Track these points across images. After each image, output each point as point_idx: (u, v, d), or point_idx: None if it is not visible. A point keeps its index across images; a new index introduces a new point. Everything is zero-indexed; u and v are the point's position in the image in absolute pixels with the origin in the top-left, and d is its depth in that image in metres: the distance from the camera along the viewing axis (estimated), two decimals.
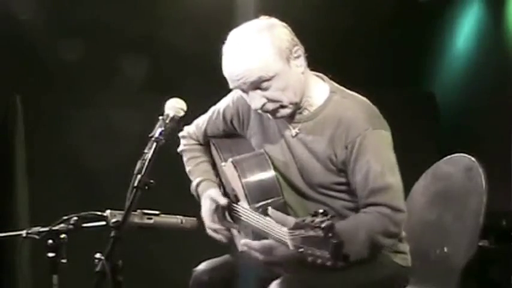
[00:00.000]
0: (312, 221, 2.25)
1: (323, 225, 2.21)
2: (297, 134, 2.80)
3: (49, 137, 4.69)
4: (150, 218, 2.71)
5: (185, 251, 4.11)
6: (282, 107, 2.72)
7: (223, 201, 2.93)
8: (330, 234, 2.20)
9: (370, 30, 5.17)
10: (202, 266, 2.95)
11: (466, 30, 5.32)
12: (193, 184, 3.06)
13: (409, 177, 3.20)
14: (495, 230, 4.36)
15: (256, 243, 2.66)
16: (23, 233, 2.63)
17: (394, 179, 2.70)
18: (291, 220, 2.41)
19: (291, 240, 2.35)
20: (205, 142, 3.12)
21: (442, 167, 3.10)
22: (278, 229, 2.50)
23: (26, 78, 4.67)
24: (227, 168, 2.92)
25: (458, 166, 3.01)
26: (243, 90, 2.73)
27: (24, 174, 4.72)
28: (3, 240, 3.07)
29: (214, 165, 3.10)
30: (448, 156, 3.09)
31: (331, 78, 2.86)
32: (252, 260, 2.70)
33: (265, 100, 2.70)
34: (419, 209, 3.11)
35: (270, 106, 2.71)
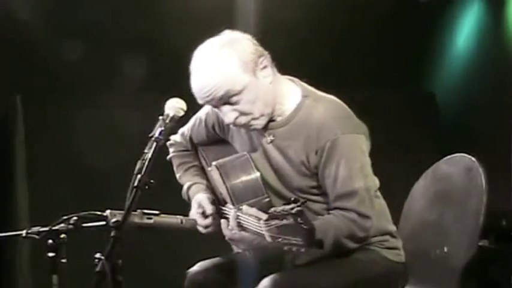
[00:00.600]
0: (283, 209, 2.29)
1: (293, 211, 2.25)
2: (272, 140, 2.81)
3: (49, 137, 4.69)
4: (150, 218, 2.72)
5: (185, 251, 4.11)
6: (254, 119, 2.74)
7: (209, 210, 2.93)
8: (300, 220, 2.24)
9: (370, 30, 5.17)
10: (196, 267, 2.95)
11: (466, 30, 5.32)
12: (184, 188, 3.08)
13: (409, 177, 3.21)
14: (495, 230, 4.36)
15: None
16: (23, 233, 2.63)
17: (363, 183, 2.71)
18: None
19: (267, 232, 2.37)
20: (193, 148, 3.14)
21: (442, 167, 3.10)
22: (256, 223, 2.50)
23: (26, 78, 4.67)
24: (212, 172, 2.93)
25: (458, 166, 3.00)
26: (214, 106, 2.76)
27: (24, 174, 4.72)
28: (3, 240, 3.07)
29: (203, 170, 3.12)
30: (448, 156, 3.09)
31: (306, 82, 2.86)
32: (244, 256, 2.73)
33: (237, 114, 2.72)
34: (419, 209, 3.11)
35: (243, 120, 2.73)
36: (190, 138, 3.11)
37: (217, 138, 3.04)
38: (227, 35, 2.77)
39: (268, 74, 2.74)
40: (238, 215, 2.69)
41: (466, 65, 5.29)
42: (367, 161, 2.78)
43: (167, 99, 2.68)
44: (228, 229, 2.76)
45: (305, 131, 2.75)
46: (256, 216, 2.47)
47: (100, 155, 4.56)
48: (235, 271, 2.82)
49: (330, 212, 2.72)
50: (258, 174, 2.82)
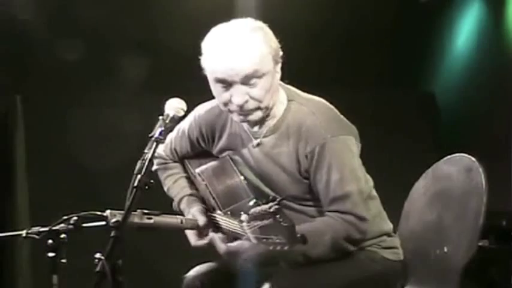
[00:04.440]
0: (262, 209, 2.30)
1: (271, 210, 2.26)
2: (258, 144, 2.79)
3: (49, 137, 4.69)
4: (150, 218, 2.71)
5: (185, 251, 4.11)
6: (259, 108, 2.71)
7: (202, 221, 2.89)
8: (280, 218, 2.25)
9: (370, 30, 5.17)
10: (193, 272, 2.94)
11: (466, 30, 5.32)
12: (175, 201, 3.03)
13: (409, 177, 3.21)
14: (495, 230, 4.36)
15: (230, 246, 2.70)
16: (23, 233, 2.63)
17: (355, 186, 2.69)
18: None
19: (251, 233, 2.36)
20: (178, 159, 3.09)
21: (442, 167, 3.09)
22: (240, 226, 2.50)
23: (26, 78, 4.67)
24: (197, 180, 2.93)
25: (458, 166, 3.00)
26: (229, 84, 2.69)
27: (24, 174, 4.72)
28: (3, 240, 3.07)
29: (190, 180, 3.07)
30: (448, 156, 3.08)
31: (287, 83, 2.85)
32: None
33: (247, 97, 2.68)
34: (419, 209, 3.11)
35: (251, 105, 2.69)
36: (175, 150, 3.06)
37: (201, 151, 3.00)
38: (252, 20, 2.75)
39: (279, 71, 2.74)
40: (223, 220, 2.68)
41: (466, 65, 5.29)
42: (358, 162, 2.77)
43: (167, 99, 2.68)
44: (222, 242, 2.74)
45: (294, 136, 2.74)
46: (238, 219, 2.47)
47: (100, 155, 4.57)
48: (232, 275, 2.81)
49: (327, 214, 2.71)
50: (240, 176, 2.81)
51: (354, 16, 5.10)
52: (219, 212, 2.83)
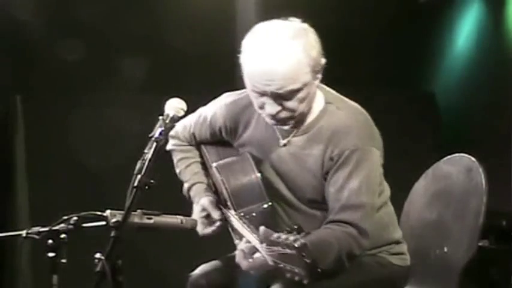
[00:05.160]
0: (287, 239, 2.22)
1: (296, 244, 2.19)
2: (284, 144, 2.75)
3: (49, 137, 4.69)
4: (150, 218, 2.71)
5: (185, 251, 4.11)
6: (292, 118, 2.65)
7: (216, 216, 2.87)
8: (304, 254, 2.19)
9: (370, 30, 5.17)
10: (198, 271, 2.92)
11: (466, 30, 5.32)
12: (185, 187, 3.02)
13: (409, 177, 3.21)
14: (495, 230, 4.36)
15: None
16: (23, 233, 2.63)
17: (370, 199, 2.65)
18: (265, 234, 2.36)
19: (270, 256, 2.32)
20: (195, 144, 3.05)
21: (442, 167, 3.10)
22: (258, 244, 2.46)
23: (26, 78, 4.68)
24: (213, 173, 2.90)
25: (458, 166, 3.00)
26: (262, 94, 2.61)
27: (24, 174, 4.72)
28: (3, 240, 3.07)
29: (205, 166, 3.05)
30: (448, 156, 3.09)
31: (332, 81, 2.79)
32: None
33: (280, 108, 2.61)
34: (419, 209, 3.11)
35: (283, 114, 2.63)
36: (193, 134, 3.02)
37: (221, 139, 2.96)
38: (297, 23, 2.65)
39: (319, 78, 2.66)
40: (237, 222, 2.65)
41: (466, 65, 5.30)
42: (379, 178, 2.73)
43: (167, 99, 2.68)
44: (245, 259, 2.61)
45: (325, 139, 2.67)
46: (252, 226, 2.45)
47: (100, 155, 4.57)
48: (237, 273, 2.80)
49: (331, 226, 2.62)
50: (258, 177, 2.75)
51: (353, 16, 5.10)
52: (233, 212, 2.80)
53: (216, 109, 2.92)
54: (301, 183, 2.74)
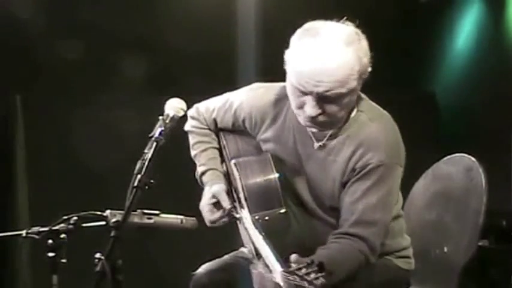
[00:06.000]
0: (307, 274, 2.19)
1: (317, 282, 2.16)
2: (320, 147, 2.70)
3: (49, 137, 4.69)
4: (150, 218, 2.71)
5: (185, 251, 4.12)
6: (330, 123, 2.63)
7: (227, 205, 2.84)
8: None
9: (370, 30, 5.16)
10: (201, 269, 2.92)
11: (466, 30, 5.32)
12: (198, 171, 2.97)
13: (409, 177, 3.21)
14: (495, 230, 4.37)
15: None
16: (23, 233, 2.63)
17: (384, 217, 2.65)
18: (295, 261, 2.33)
19: (285, 283, 2.29)
20: (214, 128, 2.99)
21: (442, 167, 3.10)
22: (272, 264, 2.44)
23: (26, 78, 4.67)
24: (231, 168, 2.87)
25: (458, 166, 3.01)
26: (304, 93, 2.57)
27: (24, 174, 4.72)
28: (3, 240, 3.07)
29: (221, 153, 2.99)
30: (448, 156, 3.09)
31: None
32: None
33: (320, 111, 2.57)
34: (420, 208, 3.11)
35: (322, 118, 2.59)
36: (215, 120, 2.95)
37: (242, 129, 2.90)
38: (352, 27, 2.68)
39: (360, 84, 2.65)
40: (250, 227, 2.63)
41: (466, 65, 5.30)
42: (396, 196, 2.73)
43: (167, 99, 2.68)
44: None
45: (351, 147, 2.65)
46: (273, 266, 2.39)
47: (100, 155, 4.57)
48: (240, 272, 2.80)
49: (341, 242, 2.60)
50: (277, 182, 2.71)
51: (353, 16, 5.09)
52: (246, 212, 2.76)
53: (243, 99, 2.86)
54: (325, 189, 2.71)
